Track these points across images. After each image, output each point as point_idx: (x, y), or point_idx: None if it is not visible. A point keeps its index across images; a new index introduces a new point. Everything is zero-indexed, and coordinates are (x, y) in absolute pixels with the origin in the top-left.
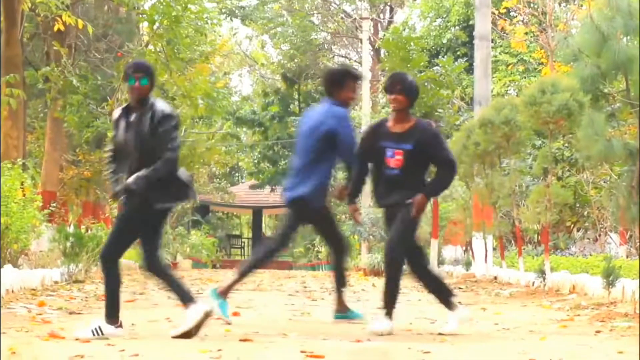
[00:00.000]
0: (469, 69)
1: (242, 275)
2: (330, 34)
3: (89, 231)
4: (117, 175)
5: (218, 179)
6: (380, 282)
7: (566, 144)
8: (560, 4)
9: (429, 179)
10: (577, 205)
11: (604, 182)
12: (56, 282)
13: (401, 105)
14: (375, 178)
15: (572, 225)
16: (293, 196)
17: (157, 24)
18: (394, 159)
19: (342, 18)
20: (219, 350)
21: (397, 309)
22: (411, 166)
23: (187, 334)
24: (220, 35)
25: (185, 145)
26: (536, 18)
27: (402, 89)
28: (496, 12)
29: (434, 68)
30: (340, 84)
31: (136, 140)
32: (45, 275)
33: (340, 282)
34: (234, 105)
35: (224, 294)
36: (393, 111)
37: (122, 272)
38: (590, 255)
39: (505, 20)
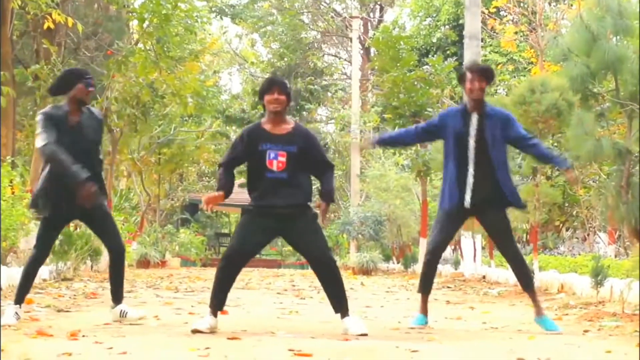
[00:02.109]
0: (459, 68)
1: None
2: (320, 33)
3: (78, 229)
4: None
5: (207, 178)
6: (369, 281)
7: (555, 144)
8: (550, 4)
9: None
10: (566, 204)
11: (593, 181)
12: (45, 280)
13: (282, 106)
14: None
15: (561, 225)
16: None
17: (147, 22)
18: (277, 161)
19: (332, 17)
20: (207, 348)
21: (385, 307)
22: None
23: None
24: (210, 34)
25: (174, 144)
26: (526, 17)
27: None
28: (486, 11)
29: (424, 67)
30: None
31: None
32: None
33: None
34: (223, 104)
35: None
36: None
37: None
38: (579, 254)
39: (495, 19)
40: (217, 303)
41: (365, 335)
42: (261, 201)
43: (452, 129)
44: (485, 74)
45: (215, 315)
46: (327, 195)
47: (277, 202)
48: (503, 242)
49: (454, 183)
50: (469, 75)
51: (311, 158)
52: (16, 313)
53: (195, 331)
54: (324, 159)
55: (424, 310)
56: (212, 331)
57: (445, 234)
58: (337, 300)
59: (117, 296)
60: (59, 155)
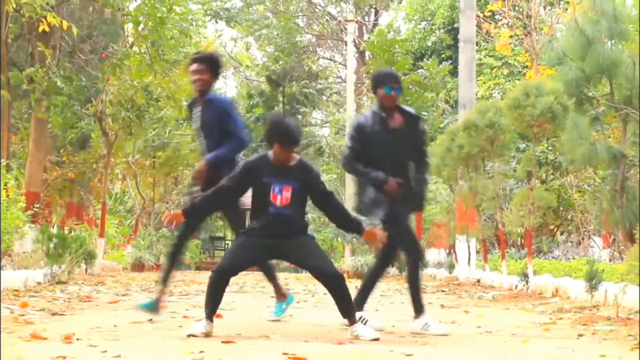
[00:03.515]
0: (454, 72)
1: None
2: (315, 36)
3: (73, 232)
4: None
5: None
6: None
7: (550, 148)
8: (545, 8)
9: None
10: (561, 208)
11: (588, 185)
12: (39, 283)
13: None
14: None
15: (556, 229)
16: None
17: (141, 25)
18: (282, 196)
19: (327, 20)
20: (201, 352)
21: (380, 311)
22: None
23: None
24: (205, 37)
25: (169, 147)
26: (521, 21)
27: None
28: (481, 15)
29: (419, 71)
30: None
31: None
32: (28, 276)
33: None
34: None
35: None
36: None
37: (106, 273)
38: (574, 258)
39: (490, 23)
40: (211, 309)
41: (378, 340)
42: (260, 232)
43: None
44: None
45: (211, 319)
46: (359, 225)
47: (277, 235)
48: None
49: None
50: None
51: (312, 192)
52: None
53: (190, 336)
54: (324, 192)
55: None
56: (208, 335)
57: None
58: (344, 308)
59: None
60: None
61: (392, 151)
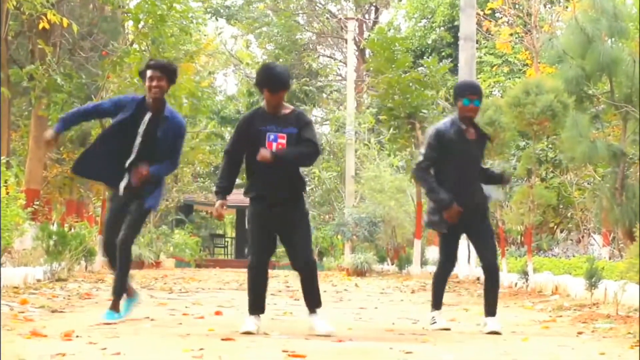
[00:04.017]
0: (454, 70)
1: None
2: (315, 34)
3: (72, 230)
4: None
5: (202, 178)
6: (363, 282)
7: (550, 145)
8: (545, 6)
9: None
10: (561, 206)
11: (588, 183)
12: (39, 281)
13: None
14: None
15: (556, 227)
16: None
17: (142, 22)
18: (277, 142)
19: (327, 18)
20: (201, 349)
21: (379, 309)
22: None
23: None
24: (205, 35)
25: None
26: (521, 19)
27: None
28: (481, 13)
29: (419, 69)
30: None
31: None
32: (28, 274)
33: None
34: (218, 105)
35: None
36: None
37: (105, 270)
38: (573, 256)
39: (490, 21)
40: (258, 308)
41: (332, 332)
42: (260, 190)
43: (125, 115)
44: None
45: (259, 315)
46: (279, 153)
47: (275, 194)
48: None
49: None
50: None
51: (301, 134)
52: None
53: (246, 333)
54: (311, 137)
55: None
56: (258, 332)
57: None
58: (312, 298)
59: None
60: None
61: (466, 162)
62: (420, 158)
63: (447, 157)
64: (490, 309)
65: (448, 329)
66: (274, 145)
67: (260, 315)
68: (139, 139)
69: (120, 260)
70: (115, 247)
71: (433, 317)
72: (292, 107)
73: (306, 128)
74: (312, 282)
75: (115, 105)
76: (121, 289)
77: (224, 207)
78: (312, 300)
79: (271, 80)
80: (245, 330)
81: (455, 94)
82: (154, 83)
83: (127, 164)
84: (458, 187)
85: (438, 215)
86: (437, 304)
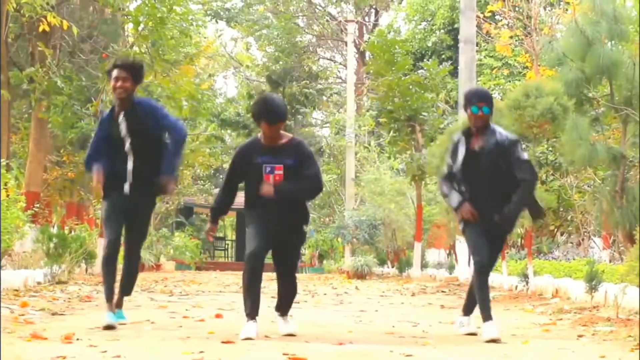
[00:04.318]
0: (454, 73)
1: None
2: (315, 37)
3: (73, 232)
4: None
5: (202, 181)
6: (364, 285)
7: (550, 148)
8: (545, 8)
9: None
10: (561, 209)
11: (588, 186)
12: (39, 283)
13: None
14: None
15: (556, 230)
16: None
17: (142, 25)
18: (274, 174)
19: (327, 20)
20: (201, 352)
21: (380, 312)
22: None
23: None
24: (205, 37)
25: None
26: (521, 22)
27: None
28: (481, 15)
29: (419, 71)
30: None
31: None
32: (28, 276)
33: None
34: (218, 107)
35: None
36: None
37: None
38: (574, 259)
39: (490, 23)
40: (252, 308)
41: (294, 335)
42: (262, 214)
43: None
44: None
45: (255, 320)
46: (281, 188)
47: (279, 219)
48: None
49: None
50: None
51: (301, 168)
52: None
53: (247, 339)
54: (312, 170)
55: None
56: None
57: None
58: (285, 304)
59: None
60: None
61: (474, 174)
62: (445, 168)
63: (457, 166)
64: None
65: (495, 341)
66: (271, 177)
67: (257, 318)
68: (127, 141)
69: (132, 262)
70: (117, 252)
71: (461, 322)
72: (290, 135)
73: (308, 162)
74: (290, 294)
75: (101, 126)
76: (130, 288)
77: (213, 232)
78: (285, 308)
79: (269, 112)
80: (246, 336)
81: (464, 102)
82: (119, 83)
83: (128, 168)
84: (472, 199)
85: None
86: (486, 313)
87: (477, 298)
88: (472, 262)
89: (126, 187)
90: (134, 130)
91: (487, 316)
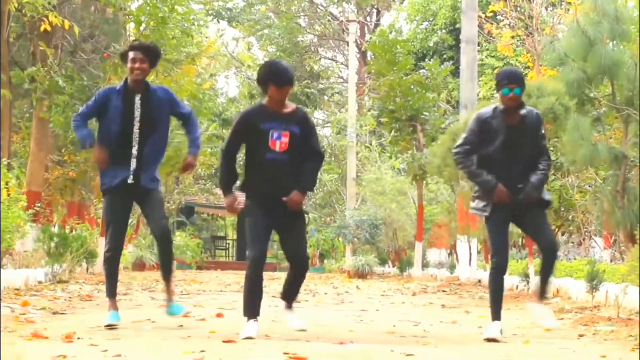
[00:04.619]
0: (455, 72)
1: None
2: (316, 36)
3: (74, 231)
4: None
5: (203, 181)
6: (365, 285)
7: (551, 148)
8: (546, 8)
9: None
10: (562, 209)
11: (589, 186)
12: (40, 282)
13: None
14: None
15: (557, 229)
16: None
17: (143, 25)
18: (280, 141)
19: (328, 20)
20: (202, 351)
21: (381, 311)
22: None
23: None
24: (206, 37)
25: (170, 147)
26: (523, 22)
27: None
28: (483, 15)
29: (420, 71)
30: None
31: None
32: (29, 275)
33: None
34: (220, 107)
35: None
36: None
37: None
38: (575, 259)
39: (491, 23)
40: (255, 311)
41: (305, 330)
42: (257, 188)
43: (113, 108)
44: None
45: (256, 319)
46: (304, 186)
47: (280, 189)
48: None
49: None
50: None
51: (306, 141)
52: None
53: (247, 338)
54: (316, 147)
55: None
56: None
57: None
58: (293, 292)
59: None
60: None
61: (507, 148)
62: (460, 141)
63: (487, 142)
64: (542, 291)
65: (495, 340)
66: (278, 143)
67: (258, 318)
68: (136, 125)
69: (167, 248)
70: (120, 254)
71: (501, 329)
72: (294, 104)
73: (312, 134)
74: (300, 278)
75: (96, 103)
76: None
77: (237, 201)
78: (292, 296)
79: (277, 74)
80: (247, 335)
81: (496, 84)
82: (137, 65)
83: (133, 154)
84: (501, 174)
85: (485, 200)
86: (495, 313)
87: (490, 297)
88: (472, 262)
89: (130, 176)
90: (147, 116)
91: (496, 316)
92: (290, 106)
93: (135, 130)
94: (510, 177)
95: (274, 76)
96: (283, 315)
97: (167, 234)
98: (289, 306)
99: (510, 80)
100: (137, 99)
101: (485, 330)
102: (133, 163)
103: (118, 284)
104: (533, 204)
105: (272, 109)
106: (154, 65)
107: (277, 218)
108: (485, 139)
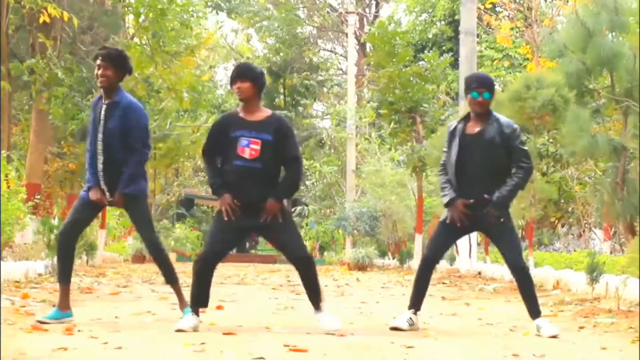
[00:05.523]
0: (455, 64)
1: None
2: (315, 28)
3: None
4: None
5: (203, 173)
6: (365, 277)
7: (551, 140)
8: (546, 0)
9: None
10: (562, 201)
11: (589, 178)
12: (40, 275)
13: (248, 94)
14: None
15: (557, 221)
16: None
17: (142, 16)
18: (250, 148)
19: (327, 12)
20: (202, 343)
21: (381, 303)
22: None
23: None
24: (205, 29)
25: (170, 139)
26: (522, 13)
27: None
28: (482, 7)
29: (420, 63)
30: None
31: None
32: (29, 268)
33: None
34: (219, 99)
35: None
36: (241, 101)
37: (107, 264)
38: (575, 251)
39: (490, 15)
40: (200, 301)
41: (339, 328)
42: (230, 194)
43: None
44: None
45: (197, 314)
46: (279, 192)
47: (249, 196)
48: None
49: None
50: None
51: (281, 147)
52: (410, 318)
53: (179, 331)
54: (292, 152)
55: None
56: (195, 330)
57: None
58: (314, 293)
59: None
60: None
61: (466, 158)
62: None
63: (450, 153)
64: (533, 309)
65: (398, 329)
66: (247, 150)
67: (200, 312)
68: (100, 136)
69: (156, 255)
70: (70, 248)
71: (410, 318)
72: (271, 111)
73: (287, 140)
74: (310, 278)
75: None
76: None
77: (231, 202)
78: (315, 297)
79: (239, 70)
80: (179, 328)
81: (465, 87)
82: (100, 72)
83: (99, 167)
84: (460, 183)
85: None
86: (411, 301)
87: (413, 289)
88: (472, 254)
89: (106, 193)
90: (107, 126)
91: (412, 305)
92: (265, 113)
93: (99, 141)
94: (470, 189)
95: (233, 75)
96: (315, 320)
97: (156, 246)
98: (318, 308)
99: (480, 85)
100: (103, 109)
101: (395, 320)
102: (101, 175)
103: (118, 276)
104: (497, 218)
105: (245, 116)
106: (123, 71)
107: (256, 221)
108: (449, 150)
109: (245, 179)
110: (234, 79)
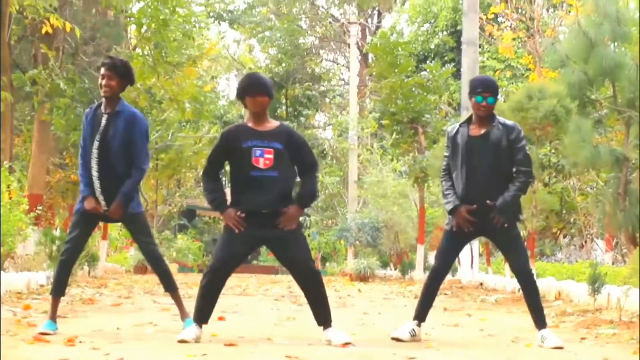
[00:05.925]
0: (457, 75)
1: None
2: (318, 39)
3: None
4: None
5: None
6: (366, 288)
7: (553, 150)
8: (548, 10)
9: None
10: (564, 211)
11: (591, 188)
12: (42, 286)
13: (264, 107)
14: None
15: (558, 232)
16: None
17: (144, 27)
18: (264, 158)
19: (330, 22)
20: (204, 354)
21: (382, 314)
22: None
23: None
24: (208, 39)
25: (172, 149)
26: (524, 24)
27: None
28: (484, 17)
29: (422, 73)
30: None
31: None
32: (31, 279)
33: None
34: (221, 109)
35: None
36: (255, 113)
37: (108, 275)
38: (576, 261)
39: (493, 25)
40: (204, 315)
41: (350, 343)
42: (246, 204)
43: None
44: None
45: (200, 326)
46: (303, 200)
47: (263, 206)
48: None
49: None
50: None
51: (296, 156)
52: (413, 329)
53: (181, 341)
54: (311, 158)
55: None
56: (197, 341)
57: None
58: (321, 312)
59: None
60: None
61: (470, 161)
62: (443, 162)
63: (453, 156)
64: (539, 319)
65: (399, 340)
66: (261, 160)
67: (203, 326)
68: (95, 145)
69: (161, 269)
70: (71, 267)
71: (413, 329)
72: (278, 122)
73: (303, 148)
74: (319, 294)
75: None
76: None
77: (239, 214)
78: (323, 315)
79: (250, 85)
80: (181, 338)
81: (469, 90)
82: (104, 81)
83: (94, 175)
84: (466, 188)
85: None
86: (416, 312)
87: (420, 300)
88: (474, 265)
89: (102, 202)
90: (105, 139)
91: (416, 316)
92: (273, 123)
93: (94, 151)
94: (476, 192)
95: (248, 88)
96: (323, 338)
97: (157, 258)
98: (328, 325)
99: (485, 89)
100: (104, 119)
101: (397, 331)
102: (97, 185)
103: (120, 287)
104: (502, 224)
105: (253, 127)
106: (126, 81)
107: (268, 233)
108: (454, 154)
109: (263, 189)
110: (251, 91)
